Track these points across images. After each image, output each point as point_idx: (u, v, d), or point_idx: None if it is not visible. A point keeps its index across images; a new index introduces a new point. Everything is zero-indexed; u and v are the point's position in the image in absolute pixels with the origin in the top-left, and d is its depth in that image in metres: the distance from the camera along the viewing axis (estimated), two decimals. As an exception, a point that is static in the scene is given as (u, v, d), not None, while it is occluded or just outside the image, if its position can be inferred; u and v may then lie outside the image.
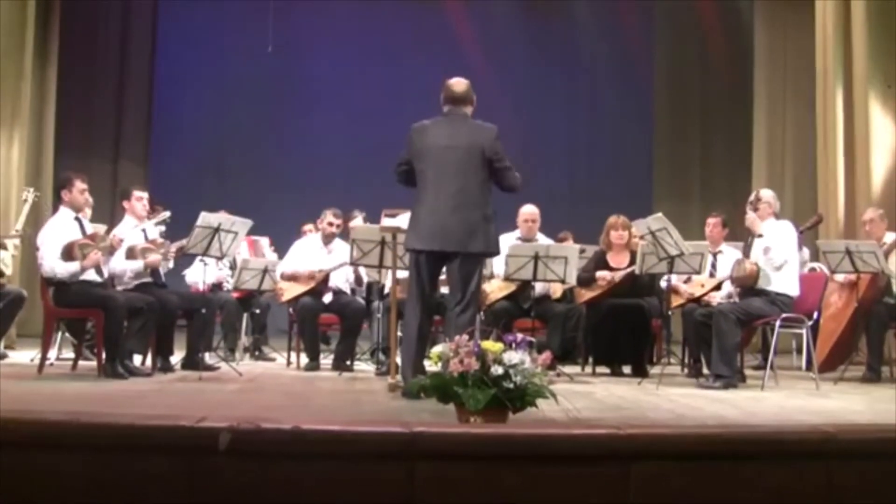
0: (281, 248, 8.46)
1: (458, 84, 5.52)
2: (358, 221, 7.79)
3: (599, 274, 7.26)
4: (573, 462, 3.05)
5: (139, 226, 6.77)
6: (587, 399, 5.37)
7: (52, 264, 6.09)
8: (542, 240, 7.37)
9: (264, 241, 8.83)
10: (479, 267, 5.52)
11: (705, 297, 6.96)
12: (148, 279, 6.65)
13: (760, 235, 6.27)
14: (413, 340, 5.33)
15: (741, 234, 6.70)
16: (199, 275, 7.12)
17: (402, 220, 5.88)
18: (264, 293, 8.10)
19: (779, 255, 6.22)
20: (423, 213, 5.36)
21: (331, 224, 7.68)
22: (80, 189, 6.36)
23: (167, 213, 6.87)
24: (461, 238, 5.27)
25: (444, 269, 5.50)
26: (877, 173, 8.60)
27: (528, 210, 7.40)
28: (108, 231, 6.56)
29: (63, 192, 6.37)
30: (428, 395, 4.14)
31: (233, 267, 8.05)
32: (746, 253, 6.43)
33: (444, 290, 5.91)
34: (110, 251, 6.37)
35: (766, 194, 6.54)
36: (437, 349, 4.08)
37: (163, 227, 6.96)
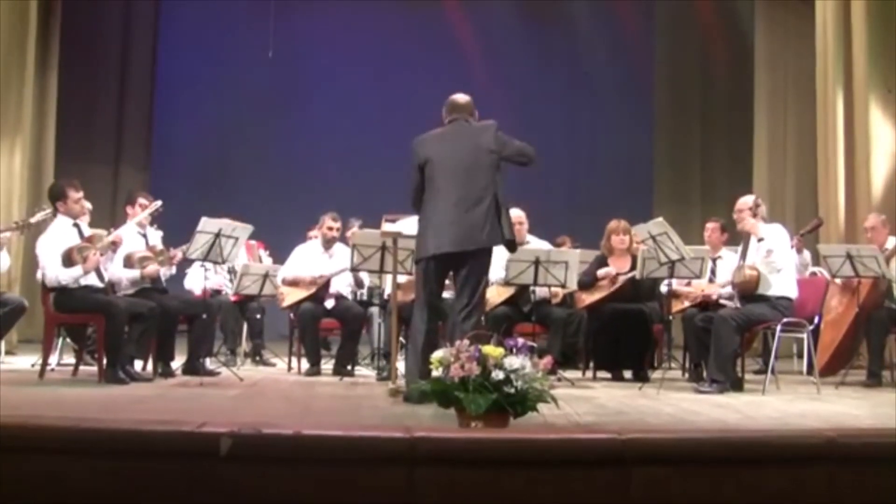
0: (283, 253, 8.47)
1: (462, 97, 5.64)
2: (356, 230, 7.79)
3: (601, 272, 7.26)
4: (574, 467, 3.05)
5: (138, 226, 6.77)
6: (588, 404, 5.37)
7: (55, 272, 6.08)
8: (534, 242, 7.38)
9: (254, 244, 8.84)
10: (487, 272, 5.54)
11: (708, 293, 6.94)
12: (148, 284, 6.65)
13: (761, 239, 6.28)
14: (421, 346, 5.33)
15: (740, 239, 6.71)
16: (197, 280, 7.11)
17: (403, 225, 5.89)
18: (262, 297, 8.09)
19: (781, 257, 6.25)
20: (436, 219, 5.35)
21: (330, 228, 7.68)
22: (74, 199, 6.30)
23: (158, 203, 6.84)
24: (477, 234, 5.29)
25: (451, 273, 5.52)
26: (877, 177, 8.61)
27: (515, 214, 7.39)
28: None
29: (58, 204, 6.32)
30: (429, 400, 4.14)
31: (231, 272, 8.04)
32: (744, 256, 6.44)
33: (446, 294, 5.90)
34: (112, 248, 6.36)
35: (759, 200, 6.58)
36: (437, 354, 4.08)
37: (160, 233, 6.96)
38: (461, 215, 5.29)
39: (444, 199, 5.35)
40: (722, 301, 6.88)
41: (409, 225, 5.80)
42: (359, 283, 7.67)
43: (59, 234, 6.23)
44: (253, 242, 8.74)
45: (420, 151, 5.49)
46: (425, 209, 5.44)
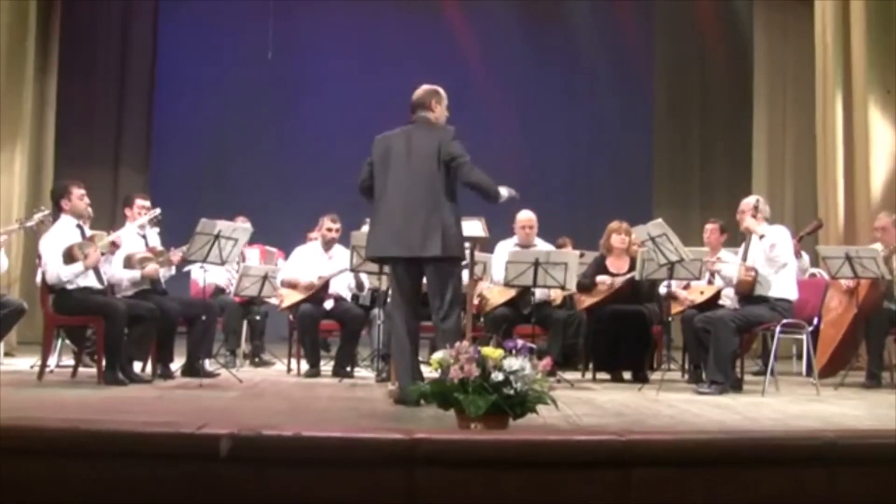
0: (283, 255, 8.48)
1: (417, 91, 5.55)
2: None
3: (600, 279, 7.27)
4: (574, 468, 3.05)
5: (138, 228, 6.77)
6: (588, 405, 5.37)
7: (56, 269, 6.08)
8: (541, 245, 7.38)
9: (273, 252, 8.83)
10: (454, 271, 5.43)
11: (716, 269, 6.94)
12: (147, 286, 6.65)
13: (762, 236, 6.28)
14: (406, 347, 5.33)
15: (739, 240, 6.72)
16: (200, 275, 7.09)
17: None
18: (264, 302, 8.08)
19: (784, 251, 6.24)
20: (380, 220, 5.36)
21: (330, 229, 7.68)
22: (78, 195, 6.32)
23: (157, 210, 6.85)
24: (417, 243, 5.24)
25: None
26: (876, 178, 8.60)
27: (525, 216, 7.40)
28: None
29: (62, 202, 6.32)
30: (428, 402, 4.14)
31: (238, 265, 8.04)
32: (745, 257, 6.44)
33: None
34: (111, 250, 6.36)
35: (761, 201, 6.57)
36: (437, 355, 4.08)
37: (157, 229, 6.96)
38: (408, 220, 5.25)
39: (392, 201, 5.31)
40: (721, 302, 6.88)
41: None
42: (360, 286, 7.66)
43: (63, 233, 6.24)
44: (273, 250, 8.74)
45: (374, 149, 5.48)
46: (375, 209, 5.42)
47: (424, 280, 5.45)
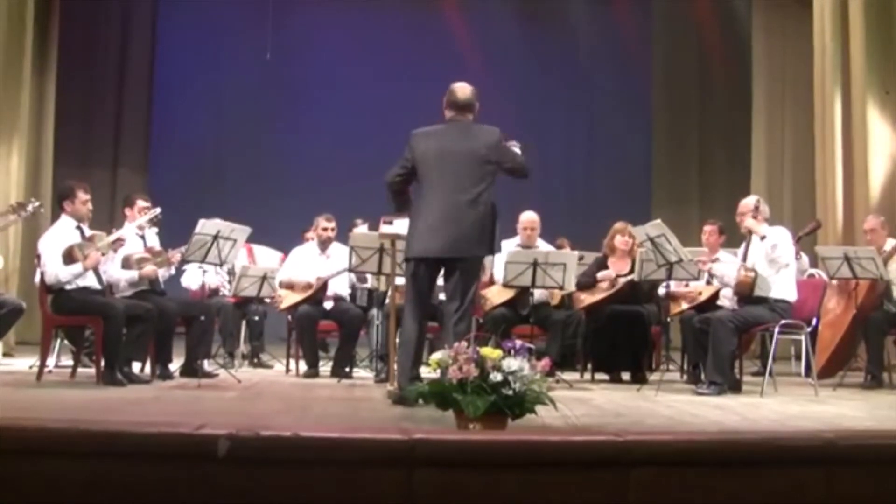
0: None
1: (463, 90, 5.48)
2: (362, 229, 7.75)
3: (601, 274, 7.27)
4: (572, 469, 3.04)
5: (137, 228, 6.76)
6: (586, 406, 5.37)
7: (56, 270, 6.08)
8: (543, 246, 7.38)
9: (262, 251, 8.81)
10: (478, 272, 5.53)
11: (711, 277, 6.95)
12: (146, 286, 6.64)
13: (763, 237, 6.28)
14: (412, 347, 5.34)
15: (738, 241, 6.72)
16: (196, 278, 7.10)
17: (401, 226, 5.88)
18: (262, 301, 8.08)
19: (785, 252, 6.25)
20: (429, 219, 5.32)
21: (325, 229, 7.68)
22: (82, 200, 6.31)
23: (157, 210, 6.83)
24: (468, 243, 5.27)
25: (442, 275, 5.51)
26: (875, 179, 8.61)
27: (528, 217, 7.40)
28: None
29: (65, 203, 6.31)
30: (427, 402, 4.14)
31: (230, 272, 8.03)
32: (745, 257, 6.44)
33: (441, 296, 5.90)
34: (114, 249, 6.36)
35: (760, 202, 6.58)
36: (436, 356, 4.08)
37: (156, 229, 6.95)
38: (452, 220, 5.25)
39: (435, 200, 5.31)
40: (719, 302, 6.89)
41: (406, 226, 5.79)
42: (361, 280, 7.66)
43: (62, 234, 6.23)
44: (281, 253, 8.73)
45: (416, 146, 5.42)
46: (417, 207, 5.41)
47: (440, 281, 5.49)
